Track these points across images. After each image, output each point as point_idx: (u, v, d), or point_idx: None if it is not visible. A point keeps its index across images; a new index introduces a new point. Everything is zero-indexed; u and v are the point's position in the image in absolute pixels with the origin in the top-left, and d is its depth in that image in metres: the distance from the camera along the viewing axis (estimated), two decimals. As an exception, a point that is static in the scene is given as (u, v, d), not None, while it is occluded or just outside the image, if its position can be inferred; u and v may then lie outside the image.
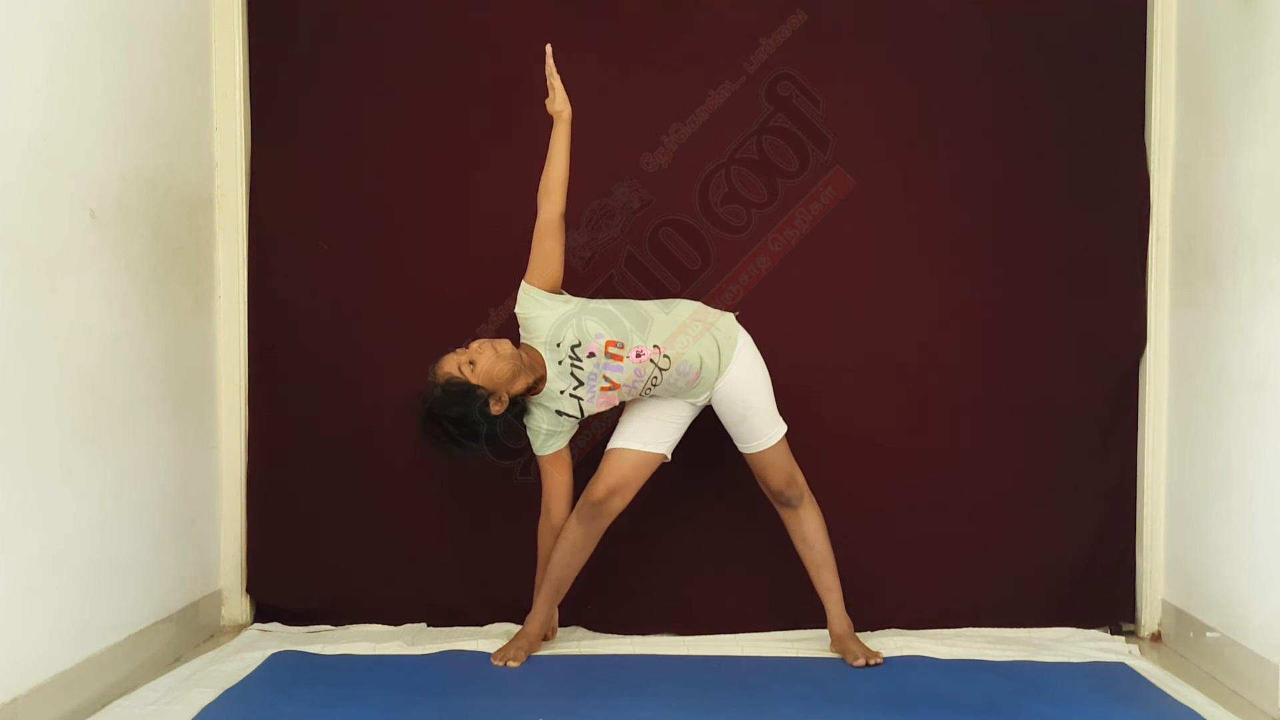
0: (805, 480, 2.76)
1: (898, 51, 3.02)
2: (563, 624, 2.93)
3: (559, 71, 2.61)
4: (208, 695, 2.44)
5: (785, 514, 2.78)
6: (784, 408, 2.75)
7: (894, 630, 2.96)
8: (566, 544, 2.73)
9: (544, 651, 2.78)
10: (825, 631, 2.81)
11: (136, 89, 2.65)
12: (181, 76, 2.89)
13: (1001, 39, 3.02)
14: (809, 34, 3.00)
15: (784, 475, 2.73)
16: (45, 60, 2.29)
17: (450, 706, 2.40)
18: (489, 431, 2.58)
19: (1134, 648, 2.85)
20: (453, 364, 2.56)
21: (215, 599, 3.08)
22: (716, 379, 2.68)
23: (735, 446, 2.77)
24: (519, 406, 2.67)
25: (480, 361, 2.54)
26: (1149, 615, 3.02)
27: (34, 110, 2.25)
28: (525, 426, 2.71)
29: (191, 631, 2.91)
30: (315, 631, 3.01)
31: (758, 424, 2.70)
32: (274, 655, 2.73)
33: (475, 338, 2.68)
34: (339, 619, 3.06)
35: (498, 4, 3.04)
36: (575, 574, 2.77)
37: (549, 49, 2.61)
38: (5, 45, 2.17)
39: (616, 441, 2.75)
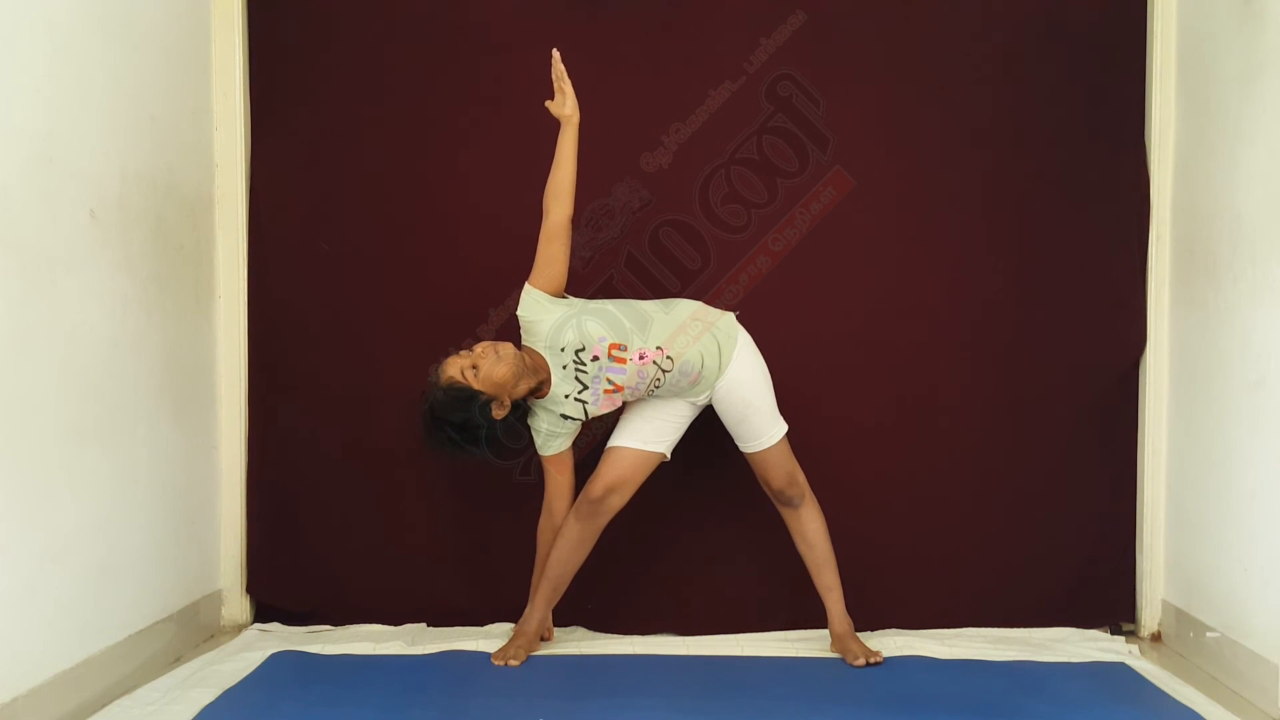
0: (806, 479, 2.76)
1: (897, 51, 3.02)
2: (563, 623, 2.93)
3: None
4: (208, 695, 2.44)
5: (786, 513, 2.78)
6: (784, 407, 2.75)
7: (894, 630, 2.96)
8: (565, 542, 2.73)
9: (544, 651, 2.78)
10: (825, 631, 2.81)
11: (136, 89, 2.65)
12: (181, 76, 2.89)
13: (1001, 38, 3.02)
14: (809, 34, 3.00)
15: (785, 475, 2.73)
16: (45, 60, 2.29)
17: (450, 706, 2.40)
18: (490, 434, 2.58)
19: (1134, 648, 2.85)
20: (455, 368, 2.55)
21: (215, 599, 3.08)
22: (717, 378, 2.68)
23: (736, 446, 2.77)
24: (521, 408, 2.67)
25: (483, 366, 2.53)
26: (1149, 615, 3.02)
27: (34, 110, 2.25)
28: (528, 427, 2.72)
29: (191, 631, 2.91)
30: (315, 631, 3.01)
31: (758, 423, 2.70)
32: (274, 655, 2.73)
33: (475, 338, 2.69)
34: (339, 619, 3.06)
35: (498, 4, 3.04)
36: (573, 572, 2.77)
37: (556, 53, 2.61)
38: (5, 45, 2.17)
39: (616, 440, 2.75)
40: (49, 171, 2.29)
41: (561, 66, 2.61)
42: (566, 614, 2.91)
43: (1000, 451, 3.03)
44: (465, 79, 3.05)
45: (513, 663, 2.67)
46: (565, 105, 2.62)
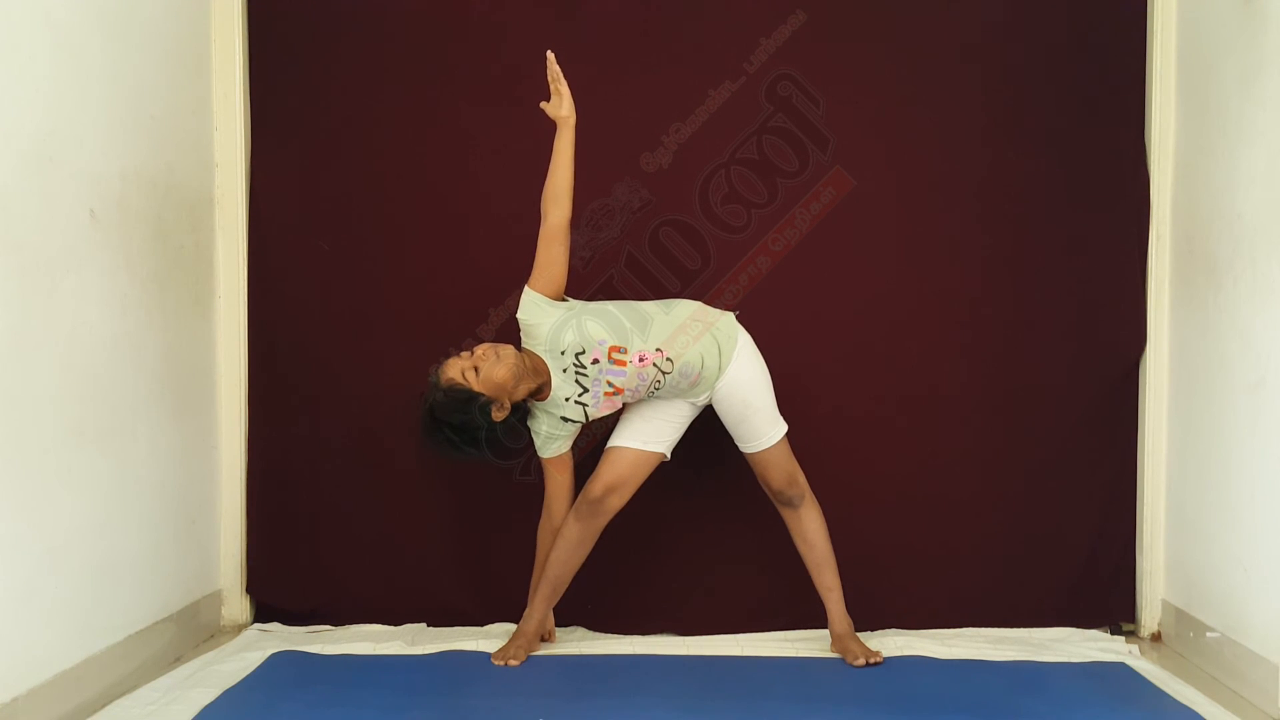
0: (806, 480, 2.76)
1: (898, 51, 3.02)
2: (563, 624, 2.93)
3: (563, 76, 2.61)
4: (208, 695, 2.44)
5: (786, 514, 2.78)
6: (784, 407, 2.75)
7: (894, 630, 2.96)
8: (564, 542, 2.73)
9: (544, 651, 2.78)
10: (825, 631, 2.81)
11: (136, 89, 2.65)
12: (181, 76, 2.89)
13: (1001, 39, 3.02)
14: (809, 34, 3.00)
15: (785, 475, 2.73)
16: (45, 60, 2.29)
17: (450, 706, 2.40)
18: (489, 435, 2.58)
19: (1134, 648, 2.85)
20: (455, 369, 2.55)
21: (215, 599, 3.08)
22: (717, 379, 2.67)
23: (735, 446, 2.77)
24: (521, 409, 2.67)
25: (483, 367, 2.53)
26: (1149, 615, 3.02)
27: (34, 110, 2.25)
28: (528, 428, 2.71)
29: (191, 631, 2.91)
30: (315, 631, 3.01)
31: (758, 423, 2.70)
32: (274, 655, 2.73)
33: (475, 338, 2.69)
34: (339, 619, 3.06)
35: (498, 4, 3.04)
36: (573, 573, 2.77)
37: (551, 55, 2.60)
38: (5, 45, 2.17)
39: (615, 440, 2.75)
40: (49, 171, 2.29)
41: (557, 68, 2.60)
42: (566, 614, 2.91)
43: (1000, 451, 3.03)
44: (466, 77, 3.04)
45: (513, 663, 2.67)
46: (562, 107, 2.61)
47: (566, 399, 2.64)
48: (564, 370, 2.62)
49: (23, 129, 2.21)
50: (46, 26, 2.30)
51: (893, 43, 3.02)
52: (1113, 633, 3.00)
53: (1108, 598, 3.03)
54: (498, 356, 2.54)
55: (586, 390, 2.63)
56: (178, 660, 2.77)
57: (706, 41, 3.02)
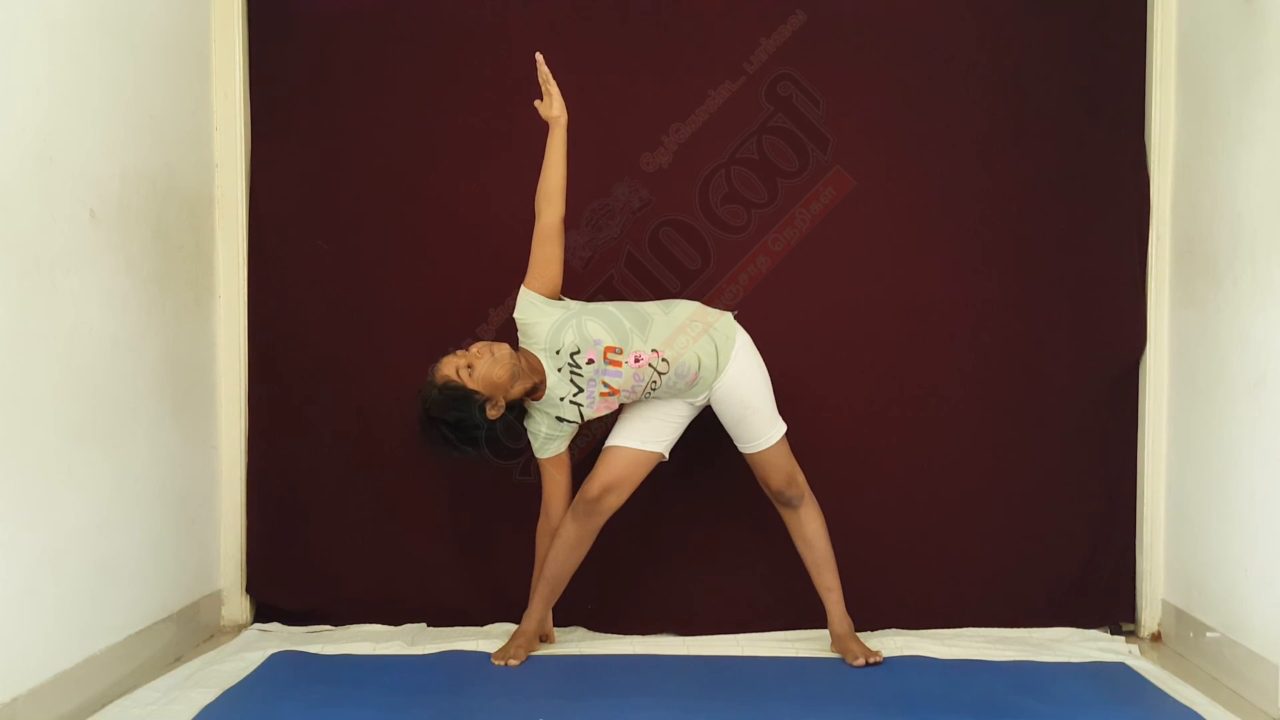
0: (805, 480, 2.76)
1: (898, 51, 3.02)
2: (564, 624, 2.93)
3: (554, 76, 2.61)
4: (208, 695, 2.44)
5: (786, 514, 2.78)
6: (784, 407, 2.75)
7: (894, 630, 2.96)
8: (562, 542, 2.73)
9: (544, 651, 2.78)
10: (825, 631, 2.81)
11: (136, 89, 2.65)
12: (181, 76, 2.89)
13: (1001, 39, 3.01)
14: (809, 34, 3.00)
15: (784, 475, 2.73)
16: (45, 60, 2.29)
17: (450, 706, 2.40)
18: (488, 435, 2.58)
19: (1134, 648, 2.85)
20: (450, 367, 2.55)
21: (215, 599, 3.08)
22: (715, 379, 2.67)
23: (735, 447, 2.77)
24: (518, 409, 2.67)
25: (478, 366, 2.53)
26: (1149, 615, 3.02)
27: (34, 110, 2.25)
28: (525, 428, 2.71)
29: (191, 631, 2.91)
30: (315, 631, 3.01)
31: (757, 424, 2.70)
32: (274, 655, 2.73)
33: (475, 337, 2.69)
34: (339, 619, 3.06)
35: (498, 4, 3.04)
36: (571, 572, 2.77)
37: (540, 56, 2.60)
38: (5, 45, 2.17)
39: (613, 439, 2.75)
40: (49, 171, 2.29)
41: (546, 69, 2.61)
42: (566, 614, 2.91)
43: (1000, 451, 3.03)
44: (466, 78, 3.04)
45: (512, 663, 2.67)
46: (553, 107, 2.62)
47: (561, 399, 2.64)
48: (559, 370, 2.62)
49: (23, 129, 2.21)
50: (46, 26, 2.30)
51: (892, 43, 3.02)
52: (1113, 633, 3.00)
53: (1108, 597, 3.03)
54: (493, 355, 2.54)
55: (581, 390, 2.63)
56: (178, 660, 2.77)
57: (706, 41, 3.02)
